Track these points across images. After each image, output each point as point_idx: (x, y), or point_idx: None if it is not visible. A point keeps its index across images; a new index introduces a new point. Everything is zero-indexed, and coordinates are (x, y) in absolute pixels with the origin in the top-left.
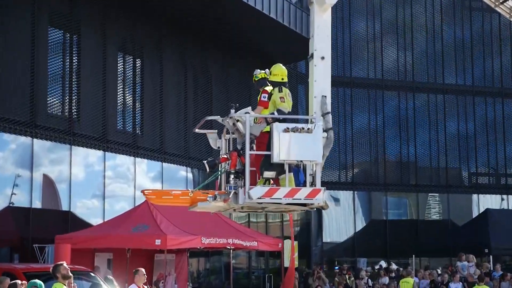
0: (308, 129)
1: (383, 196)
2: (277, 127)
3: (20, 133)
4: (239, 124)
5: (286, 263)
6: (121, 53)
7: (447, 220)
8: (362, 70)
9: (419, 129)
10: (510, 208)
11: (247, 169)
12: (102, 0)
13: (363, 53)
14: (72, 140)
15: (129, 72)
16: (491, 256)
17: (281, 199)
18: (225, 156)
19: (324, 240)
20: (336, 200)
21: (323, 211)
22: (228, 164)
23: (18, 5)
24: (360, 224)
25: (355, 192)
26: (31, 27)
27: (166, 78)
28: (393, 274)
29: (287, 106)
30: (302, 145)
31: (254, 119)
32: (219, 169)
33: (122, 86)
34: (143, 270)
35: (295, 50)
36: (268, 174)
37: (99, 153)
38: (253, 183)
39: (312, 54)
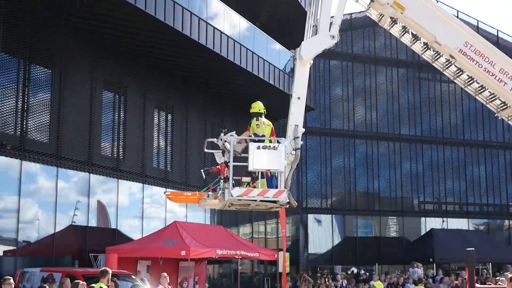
0: (274, 147)
1: (354, 219)
2: (252, 146)
3: (80, 170)
4: (226, 144)
5: (281, 269)
6: (157, 110)
7: (402, 237)
8: (339, 123)
9: (381, 168)
10: (449, 228)
11: (231, 175)
12: (144, 70)
13: (339, 110)
14: (119, 175)
15: (162, 124)
16: (434, 264)
17: (255, 197)
18: (218, 167)
19: (309, 252)
20: (319, 221)
21: (308, 230)
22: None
23: (80, 75)
24: (337, 239)
25: (333, 215)
26: (89, 90)
27: (190, 129)
28: (362, 277)
29: (261, 130)
30: (269, 158)
31: (238, 140)
32: (219, 176)
33: (157, 135)
34: (165, 274)
35: (286, 108)
36: (245, 179)
37: (139, 185)
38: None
39: (292, 95)
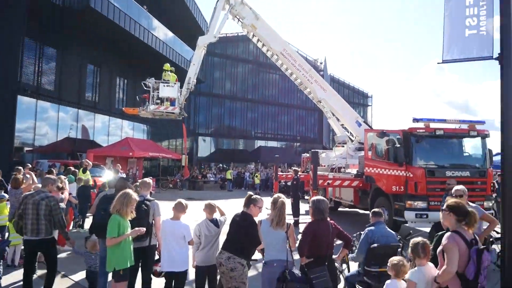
0: (172, 86)
1: (222, 140)
2: (161, 84)
3: (73, 107)
4: (150, 84)
5: (183, 164)
6: (118, 77)
7: (244, 149)
8: (216, 90)
9: (237, 113)
10: (268, 146)
11: (150, 99)
12: (113, 55)
13: (217, 84)
14: (95, 111)
15: (121, 84)
16: (260, 163)
17: (162, 110)
18: (146, 95)
19: (198, 155)
20: (204, 140)
21: (198, 145)
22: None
23: (76, 54)
24: (212, 149)
25: (211, 137)
26: (80, 64)
27: (137, 86)
28: (224, 169)
29: (167, 78)
30: (170, 91)
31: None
32: (146, 100)
33: (118, 90)
34: (119, 164)
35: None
36: (158, 101)
37: (107, 117)
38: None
39: (191, 63)
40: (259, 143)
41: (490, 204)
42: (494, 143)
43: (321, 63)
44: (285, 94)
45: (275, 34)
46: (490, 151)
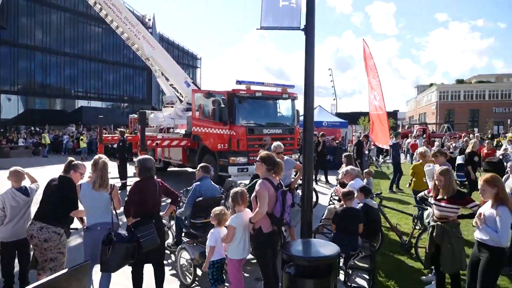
0: None
1: (33, 99)
2: None
3: None
4: None
5: None
6: None
7: (57, 109)
8: (23, 40)
9: (52, 69)
10: (91, 106)
11: None
12: None
13: (24, 31)
14: None
15: None
16: (82, 125)
17: None
18: None
19: (1, 117)
20: (9, 99)
21: (2, 106)
22: None
23: None
24: (20, 110)
25: (18, 96)
26: None
27: None
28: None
29: None
30: None
31: None
32: None
33: None
34: None
35: None
36: None
37: None
38: None
39: None
40: (81, 103)
41: (296, 157)
42: (301, 105)
43: (149, 19)
44: (110, 50)
45: None
46: (297, 111)
